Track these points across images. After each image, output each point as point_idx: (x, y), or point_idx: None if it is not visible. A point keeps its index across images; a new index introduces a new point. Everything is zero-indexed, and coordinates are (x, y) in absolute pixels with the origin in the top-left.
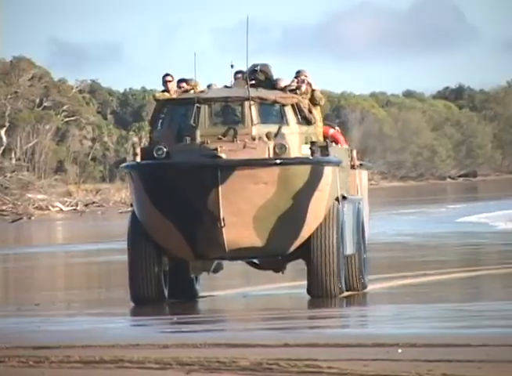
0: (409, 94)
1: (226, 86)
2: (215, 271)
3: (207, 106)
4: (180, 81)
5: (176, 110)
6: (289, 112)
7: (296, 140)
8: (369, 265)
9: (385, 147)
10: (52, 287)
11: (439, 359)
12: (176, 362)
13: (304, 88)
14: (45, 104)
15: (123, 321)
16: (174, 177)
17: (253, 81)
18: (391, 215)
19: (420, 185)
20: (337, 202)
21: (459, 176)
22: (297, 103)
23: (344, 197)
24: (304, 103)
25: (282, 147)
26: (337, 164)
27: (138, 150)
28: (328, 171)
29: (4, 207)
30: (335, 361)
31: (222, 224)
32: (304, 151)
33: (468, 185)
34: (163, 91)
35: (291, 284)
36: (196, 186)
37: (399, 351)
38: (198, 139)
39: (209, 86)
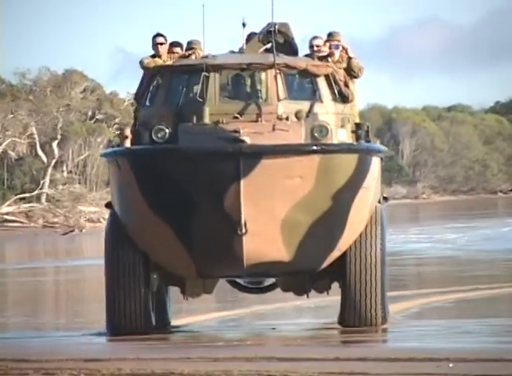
0: (453, 108)
1: (233, 51)
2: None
3: (217, 75)
4: (173, 44)
5: (175, 80)
6: (322, 85)
7: (332, 122)
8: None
9: (436, 161)
10: (102, 299)
11: (490, 374)
12: (227, 375)
13: (337, 55)
14: (97, 117)
15: (173, 334)
16: (181, 167)
17: (268, 45)
18: (443, 229)
19: (472, 199)
20: (379, 204)
21: (511, 190)
22: (331, 74)
23: (385, 198)
24: (340, 74)
25: (322, 130)
26: (384, 153)
27: (127, 133)
28: (375, 162)
29: (55, 220)
30: (387, 375)
31: (243, 231)
32: (341, 137)
33: None
34: (152, 56)
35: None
36: (210, 180)
37: (450, 365)
38: (206, 118)
39: (189, 43)
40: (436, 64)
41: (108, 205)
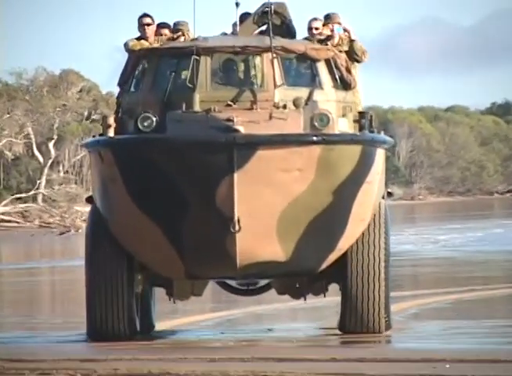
0: (450, 109)
1: (225, 33)
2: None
3: (209, 59)
4: (161, 25)
5: (162, 64)
6: (322, 70)
7: (333, 110)
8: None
9: (433, 162)
10: None
11: (486, 375)
12: None
13: (337, 38)
14: (94, 117)
15: (169, 334)
16: (169, 158)
17: (264, 26)
18: (439, 229)
19: (468, 200)
20: (383, 201)
21: (507, 192)
22: (332, 58)
23: (389, 194)
24: (341, 59)
25: (323, 119)
26: (389, 144)
27: (111, 121)
28: (380, 154)
29: (51, 220)
30: None
31: (237, 228)
32: (343, 126)
33: None
34: (138, 38)
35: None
36: (201, 173)
37: (447, 366)
38: (197, 106)
39: (176, 24)
40: (433, 65)
41: (89, 200)
